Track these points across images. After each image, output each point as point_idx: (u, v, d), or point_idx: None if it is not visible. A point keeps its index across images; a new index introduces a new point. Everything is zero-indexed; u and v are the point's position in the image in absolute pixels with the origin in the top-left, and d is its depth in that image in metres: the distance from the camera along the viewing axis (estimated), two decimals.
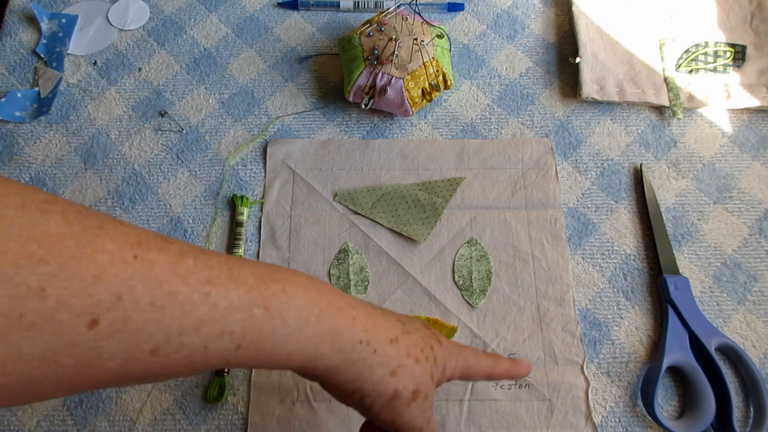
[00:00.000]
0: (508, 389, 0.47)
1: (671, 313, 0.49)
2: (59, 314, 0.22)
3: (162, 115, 0.59)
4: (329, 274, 0.52)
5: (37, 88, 0.60)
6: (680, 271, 0.51)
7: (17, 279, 0.22)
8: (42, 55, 0.62)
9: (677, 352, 0.47)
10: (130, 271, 0.24)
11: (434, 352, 0.36)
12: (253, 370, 0.48)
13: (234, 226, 0.53)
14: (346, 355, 0.32)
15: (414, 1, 0.59)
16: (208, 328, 0.26)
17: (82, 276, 0.23)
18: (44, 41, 0.62)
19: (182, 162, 0.57)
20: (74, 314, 0.23)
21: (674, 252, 0.52)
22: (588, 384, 0.48)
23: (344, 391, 0.33)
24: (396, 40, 0.54)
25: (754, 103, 0.58)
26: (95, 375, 0.25)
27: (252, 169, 0.56)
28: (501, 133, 0.58)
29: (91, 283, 0.23)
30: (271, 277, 0.30)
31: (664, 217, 0.54)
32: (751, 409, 0.47)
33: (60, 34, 0.62)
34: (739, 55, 0.60)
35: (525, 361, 0.42)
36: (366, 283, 0.51)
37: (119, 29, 0.64)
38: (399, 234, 0.53)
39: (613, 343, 0.49)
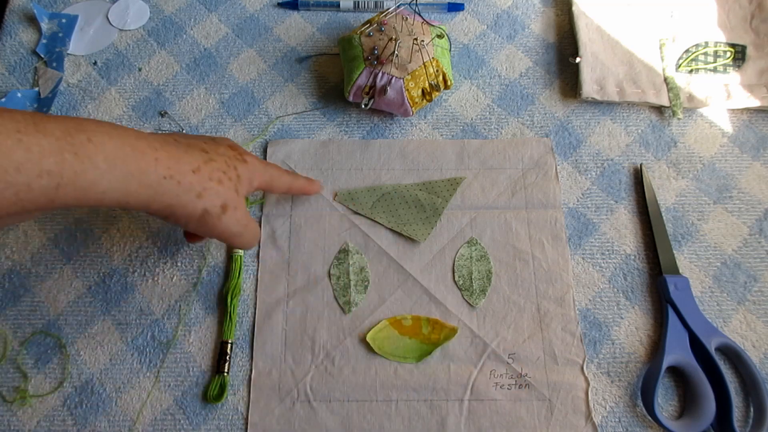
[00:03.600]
0: (508, 389, 0.47)
1: (671, 313, 0.49)
2: None
3: (162, 115, 0.59)
4: (329, 274, 0.52)
5: (37, 88, 0.60)
6: (680, 271, 0.51)
7: None
8: (42, 55, 0.62)
9: (677, 352, 0.47)
10: None
11: (238, 171, 0.43)
12: (253, 370, 0.48)
13: None
14: (154, 189, 0.37)
15: (414, 1, 0.59)
16: (27, 169, 0.32)
17: None
18: (44, 41, 0.62)
19: None
20: None
21: (674, 252, 0.52)
22: (588, 384, 0.48)
23: (161, 216, 0.40)
24: (396, 40, 0.54)
25: (754, 103, 0.58)
26: None
27: None
28: (501, 133, 0.58)
29: None
30: (77, 129, 0.35)
31: (664, 217, 0.54)
32: (751, 409, 0.47)
33: (60, 34, 0.62)
34: (739, 55, 0.60)
35: (317, 181, 0.53)
36: (366, 283, 0.51)
37: (119, 29, 0.64)
38: (399, 234, 0.53)
39: (613, 343, 0.49)
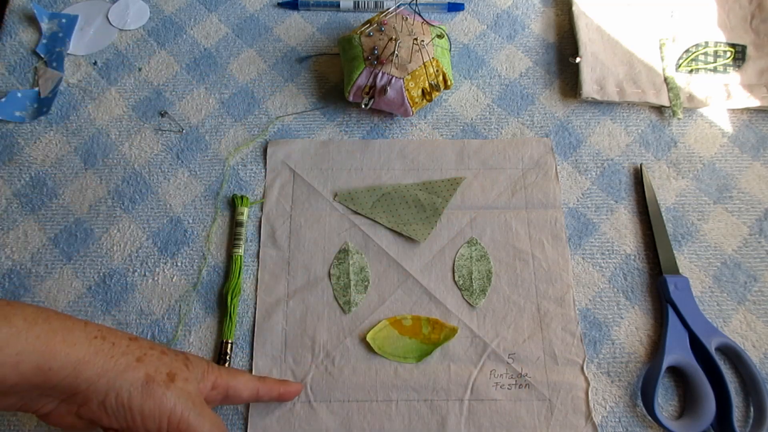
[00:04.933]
0: (508, 389, 0.47)
1: (671, 313, 0.49)
2: None
3: (162, 115, 0.59)
4: (329, 274, 0.52)
5: (37, 88, 0.60)
6: (680, 271, 0.51)
7: None
8: (42, 55, 0.62)
9: (677, 352, 0.47)
10: None
11: (186, 356, 0.37)
12: (253, 370, 0.48)
13: (234, 226, 0.53)
14: (84, 348, 0.31)
15: (414, 1, 0.59)
16: None
17: None
18: (44, 41, 0.62)
19: (182, 162, 0.57)
20: None
21: (674, 252, 0.52)
22: (588, 384, 0.48)
23: (95, 392, 0.31)
24: (396, 40, 0.54)
25: (754, 103, 0.58)
26: None
27: (252, 169, 0.56)
28: (501, 133, 0.58)
29: None
30: None
31: (664, 217, 0.54)
32: (751, 409, 0.47)
33: (60, 34, 0.62)
34: (739, 55, 0.60)
35: (295, 384, 0.44)
36: (366, 283, 0.51)
37: (119, 29, 0.64)
38: (399, 234, 0.53)
39: (613, 343, 0.49)
